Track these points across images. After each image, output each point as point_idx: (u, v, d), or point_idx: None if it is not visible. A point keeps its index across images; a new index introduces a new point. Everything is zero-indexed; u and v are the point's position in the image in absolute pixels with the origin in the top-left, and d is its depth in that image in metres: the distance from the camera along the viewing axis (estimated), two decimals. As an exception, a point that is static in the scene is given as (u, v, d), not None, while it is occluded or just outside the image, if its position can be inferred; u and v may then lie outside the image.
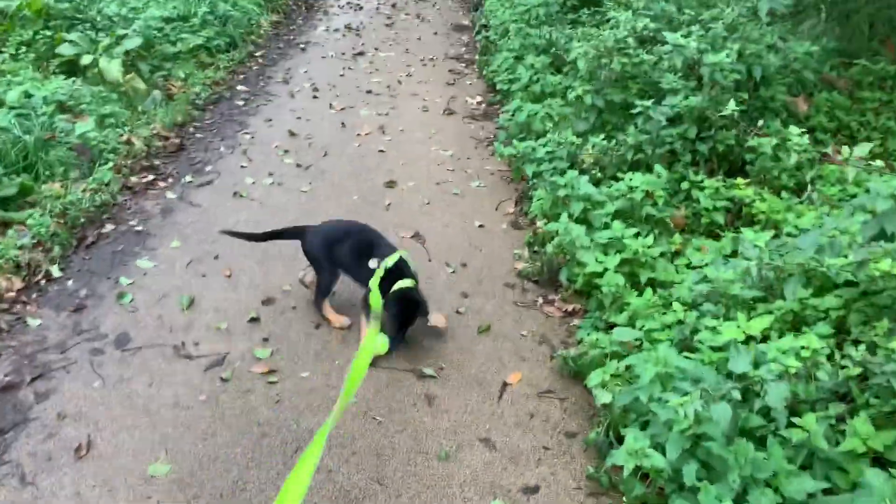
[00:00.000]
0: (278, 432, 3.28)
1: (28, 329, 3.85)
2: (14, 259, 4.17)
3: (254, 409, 3.41)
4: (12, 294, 4.02)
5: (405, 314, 3.73)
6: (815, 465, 2.63)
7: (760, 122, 4.65)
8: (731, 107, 4.52)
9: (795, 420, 2.62)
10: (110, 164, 5.34)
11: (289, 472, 2.96)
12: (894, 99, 5.54)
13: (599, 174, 4.94)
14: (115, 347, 3.75)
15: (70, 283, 4.26)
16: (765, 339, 3.08)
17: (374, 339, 3.21)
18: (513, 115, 6.04)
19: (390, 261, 3.70)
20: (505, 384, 3.65)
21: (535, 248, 4.75)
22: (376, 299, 2.73)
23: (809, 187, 4.10)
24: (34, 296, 4.11)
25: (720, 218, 4.54)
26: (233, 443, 3.21)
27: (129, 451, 3.14)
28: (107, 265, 4.45)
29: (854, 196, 4.22)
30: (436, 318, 3.98)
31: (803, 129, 4.75)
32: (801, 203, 4.34)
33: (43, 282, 4.22)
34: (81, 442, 3.15)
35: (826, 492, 2.52)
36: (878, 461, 2.59)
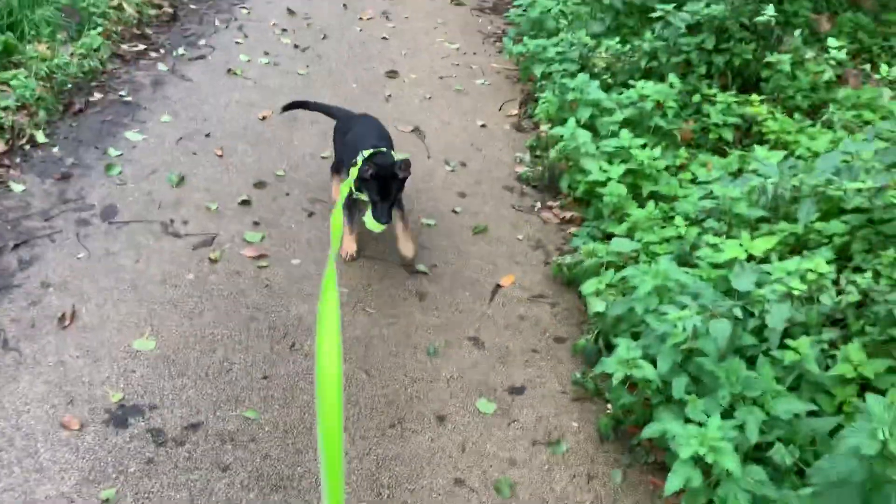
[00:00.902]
0: (266, 317, 3.25)
1: (11, 194, 3.72)
2: (-3, 120, 4.00)
3: (242, 291, 3.36)
4: (-5, 157, 3.88)
5: (381, 188, 3.32)
6: (803, 388, 2.63)
7: (797, 33, 4.43)
8: (770, 12, 4.30)
9: (788, 342, 2.60)
10: (100, 28, 5.07)
11: (276, 356, 2.94)
12: (921, 25, 5.33)
13: (610, 80, 4.77)
14: (101, 219, 3.65)
15: (56, 150, 4.10)
16: (763, 260, 3.04)
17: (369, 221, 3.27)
18: (525, 10, 5.77)
19: (367, 152, 3.40)
20: (497, 286, 3.61)
21: (538, 153, 4.63)
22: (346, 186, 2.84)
23: (831, 108, 3.96)
24: (18, 160, 3.96)
25: (729, 134, 4.43)
26: (220, 323, 3.18)
27: (114, 324, 3.09)
28: (94, 135, 4.28)
29: (868, 123, 4.11)
30: (404, 246, 3.58)
31: (822, 48, 4.59)
32: (813, 125, 4.22)
33: (27, 147, 4.06)
34: (66, 311, 3.10)
35: (811, 414, 2.54)
36: (863, 389, 2.60)
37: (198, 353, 3.02)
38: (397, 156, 3.55)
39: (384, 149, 3.54)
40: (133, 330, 3.08)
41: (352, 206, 3.56)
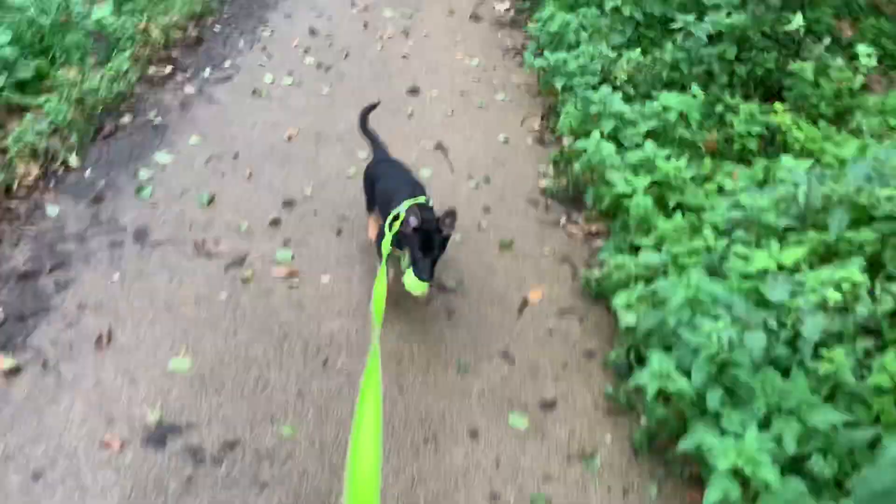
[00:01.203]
0: (299, 335, 3.28)
1: (46, 217, 3.80)
2: (32, 145, 4.08)
3: (275, 310, 3.40)
4: (30, 181, 3.96)
5: (424, 243, 3.04)
6: (839, 398, 2.62)
7: (825, 41, 4.43)
8: (798, 22, 4.30)
9: (822, 352, 2.59)
10: (128, 52, 5.17)
11: (309, 374, 2.99)
12: (944, 29, 5.30)
13: (633, 91, 4.78)
14: (134, 241, 3.71)
15: (88, 173, 4.18)
16: (793, 270, 3.03)
17: (409, 280, 3.06)
18: (544, 24, 5.79)
19: (405, 205, 3.16)
20: (525, 301, 3.62)
21: (561, 166, 4.64)
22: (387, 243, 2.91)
23: (858, 115, 3.95)
24: (52, 184, 4.04)
25: (753, 144, 4.41)
26: (254, 342, 3.22)
27: (149, 344, 3.14)
28: (125, 157, 4.36)
29: (894, 129, 4.09)
30: (412, 283, 3.10)
31: (846, 55, 4.59)
32: (839, 133, 4.20)
33: (61, 170, 4.15)
34: (102, 333, 3.16)
35: (847, 424, 2.52)
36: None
37: (233, 372, 3.06)
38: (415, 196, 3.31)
39: (423, 198, 3.32)
40: (169, 350, 3.13)
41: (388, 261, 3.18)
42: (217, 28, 6.30)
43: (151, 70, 5.32)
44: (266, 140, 4.71)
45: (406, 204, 3.18)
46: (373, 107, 4.04)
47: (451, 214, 3.09)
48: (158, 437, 2.75)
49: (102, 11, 5.31)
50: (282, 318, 3.36)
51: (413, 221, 3.03)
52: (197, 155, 4.46)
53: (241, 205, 4.07)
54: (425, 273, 3.00)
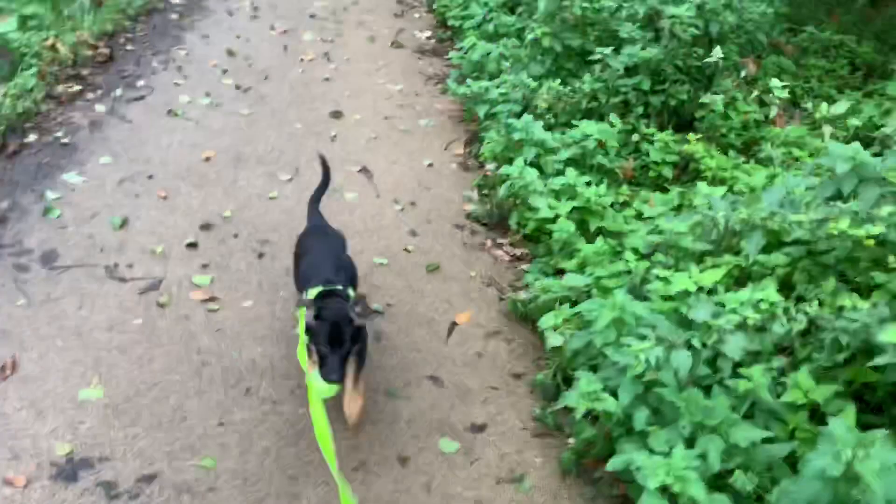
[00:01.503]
0: (219, 361, 3.16)
1: (-58, 240, 3.55)
2: (-74, 163, 3.82)
3: (193, 336, 3.26)
4: (-76, 201, 3.70)
5: (330, 335, 2.59)
6: (757, 415, 2.71)
7: (742, 74, 4.69)
8: (718, 53, 4.50)
9: (742, 371, 2.68)
10: (34, 69, 4.94)
11: (231, 402, 2.88)
12: (836, 68, 5.69)
13: (553, 120, 4.89)
14: (41, 264, 3.51)
15: (-11, 193, 3.95)
16: (710, 291, 3.13)
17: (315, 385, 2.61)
18: (466, 53, 5.89)
19: (314, 291, 2.79)
20: (454, 324, 3.61)
21: (485, 191, 4.69)
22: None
23: (769, 146, 4.17)
24: (-51, 205, 3.79)
25: (668, 172, 4.59)
26: (171, 370, 3.07)
27: (58, 373, 2.96)
28: (31, 177, 4.14)
29: (797, 159, 4.34)
30: (349, 405, 2.80)
31: (750, 89, 4.85)
32: (747, 162, 4.42)
33: (-41, 190, 3.90)
34: (6, 362, 2.96)
35: (766, 440, 2.61)
36: (813, 414, 2.70)
37: (149, 401, 2.91)
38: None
39: (339, 286, 2.87)
40: (79, 379, 2.95)
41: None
42: (130, 47, 6.11)
43: (59, 88, 5.09)
44: (182, 161, 4.56)
45: (315, 291, 2.79)
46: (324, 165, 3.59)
47: (360, 301, 2.68)
48: (69, 472, 2.57)
49: (6, 27, 5.06)
50: (201, 344, 3.23)
51: (311, 315, 2.62)
52: (109, 175, 4.28)
53: (156, 227, 3.91)
54: (333, 372, 2.55)
